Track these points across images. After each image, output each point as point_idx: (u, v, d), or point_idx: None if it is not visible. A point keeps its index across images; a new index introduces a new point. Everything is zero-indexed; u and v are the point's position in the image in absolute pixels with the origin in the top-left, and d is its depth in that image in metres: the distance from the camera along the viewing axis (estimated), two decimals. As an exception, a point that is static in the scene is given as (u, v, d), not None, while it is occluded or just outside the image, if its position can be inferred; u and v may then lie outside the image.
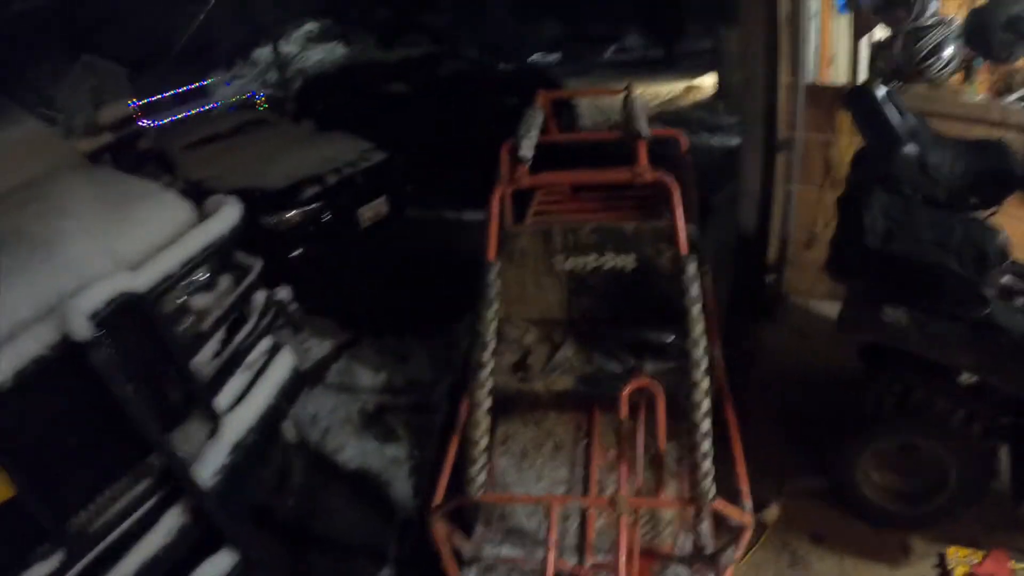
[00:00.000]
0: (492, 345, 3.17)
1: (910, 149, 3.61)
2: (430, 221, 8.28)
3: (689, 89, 12.39)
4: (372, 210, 7.40)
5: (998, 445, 3.55)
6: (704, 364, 2.92)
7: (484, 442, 3.05)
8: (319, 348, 5.83)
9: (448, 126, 8.84)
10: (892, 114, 3.79)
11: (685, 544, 3.32)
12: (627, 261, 3.96)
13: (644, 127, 3.41)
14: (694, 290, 3.00)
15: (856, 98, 4.18)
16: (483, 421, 3.07)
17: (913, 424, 3.59)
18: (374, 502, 4.34)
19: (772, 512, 3.94)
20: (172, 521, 2.96)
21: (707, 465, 2.82)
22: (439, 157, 8.53)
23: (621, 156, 4.27)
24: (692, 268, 3.02)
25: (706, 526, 3.35)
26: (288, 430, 4.48)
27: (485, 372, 3.11)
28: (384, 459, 4.58)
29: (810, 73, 5.25)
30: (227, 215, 3.56)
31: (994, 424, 3.49)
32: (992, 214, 3.76)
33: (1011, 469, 3.58)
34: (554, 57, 16.48)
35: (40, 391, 2.63)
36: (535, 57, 16.25)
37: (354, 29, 13.47)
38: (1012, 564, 3.59)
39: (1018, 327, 3.31)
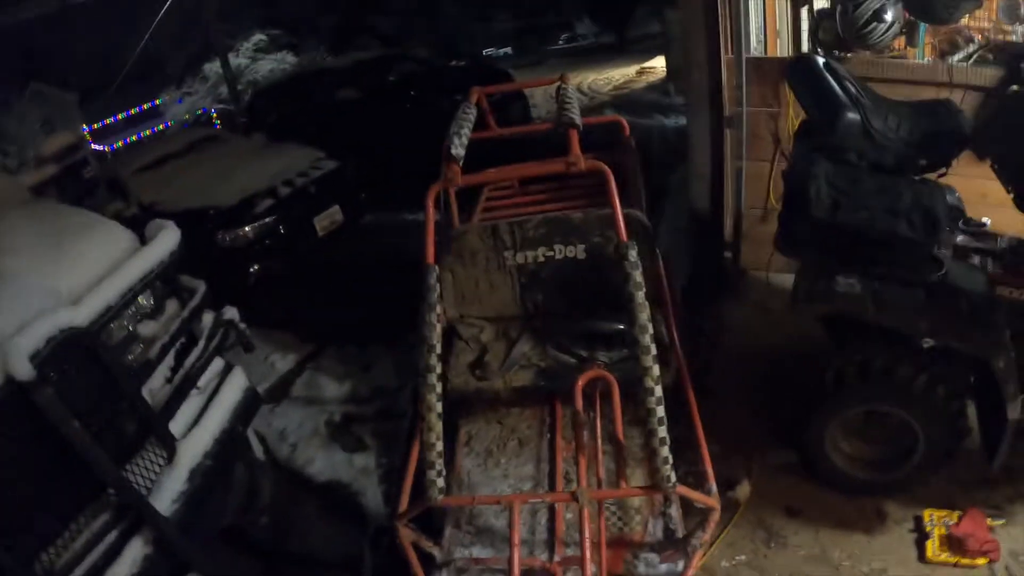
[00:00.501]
0: (438, 348, 3.15)
1: (852, 116, 3.61)
2: (388, 225, 8.24)
3: (641, 72, 12.45)
4: (327, 219, 7.38)
5: (965, 405, 3.57)
6: (652, 350, 2.91)
7: (440, 446, 3.05)
8: (282, 363, 5.82)
9: (400, 128, 8.81)
10: (832, 83, 3.79)
11: (656, 530, 3.34)
12: (576, 251, 3.96)
13: (575, 116, 3.40)
14: (637, 276, 2.98)
15: (795, 69, 4.19)
16: (436, 425, 3.05)
17: (877, 391, 3.58)
18: (346, 513, 4.34)
19: (743, 489, 3.99)
20: (135, 552, 2.93)
21: (665, 451, 2.82)
22: (393, 160, 8.49)
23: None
24: (633, 254, 3.00)
25: (675, 511, 3.38)
26: (256, 448, 4.45)
27: (433, 376, 3.09)
28: (353, 469, 4.58)
29: (755, 47, 5.28)
30: (165, 240, 3.53)
31: (958, 386, 3.53)
32: (942, 175, 3.77)
33: (980, 428, 3.64)
34: (506, 50, 16.47)
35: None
36: (488, 52, 16.22)
37: (303, 37, 13.38)
38: (989, 521, 3.62)
39: (975, 287, 3.37)
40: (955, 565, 3.50)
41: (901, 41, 5.19)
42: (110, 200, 7.38)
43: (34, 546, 2.73)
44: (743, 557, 3.76)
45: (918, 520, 3.74)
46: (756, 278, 5.54)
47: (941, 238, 3.24)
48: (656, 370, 2.90)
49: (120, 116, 10.57)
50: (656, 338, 3.66)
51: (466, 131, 3.45)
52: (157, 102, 10.82)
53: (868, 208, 3.36)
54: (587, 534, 2.96)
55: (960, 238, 3.55)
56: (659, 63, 12.02)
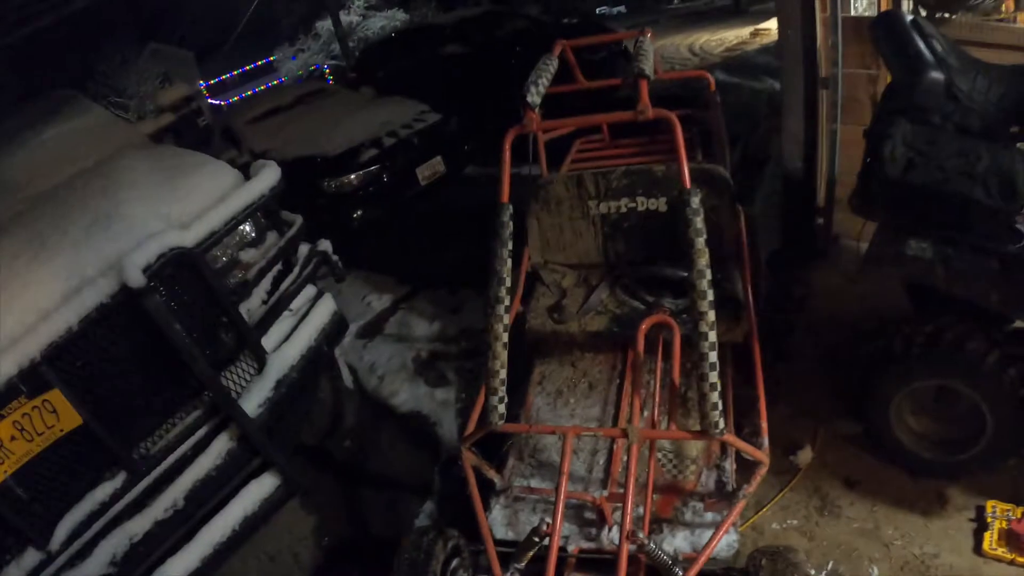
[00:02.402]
0: (507, 281, 3.33)
1: (934, 76, 3.53)
2: (489, 177, 8.50)
3: (755, 33, 12.19)
4: (429, 169, 7.72)
5: None
6: (708, 296, 2.99)
7: (503, 374, 3.21)
8: (378, 303, 6.22)
9: (504, 83, 9.01)
10: (917, 41, 3.68)
11: (708, 482, 3.41)
12: (659, 203, 4.07)
13: (647, 67, 3.53)
14: (697, 222, 3.07)
15: (880, 26, 4.10)
16: (501, 354, 3.23)
17: (944, 365, 3.45)
18: (423, 441, 4.66)
19: (805, 455, 3.97)
20: (221, 446, 3.40)
21: (714, 397, 2.88)
22: (496, 114, 8.71)
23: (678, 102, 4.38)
24: (695, 201, 3.09)
25: (729, 464, 3.45)
26: (346, 378, 4.83)
27: (501, 307, 3.28)
28: (434, 402, 4.88)
29: (865, 6, 5.16)
30: (266, 177, 3.91)
31: None
32: None
33: None
34: (620, 8, 16.32)
35: (104, 334, 3.08)
36: (601, 10, 16.14)
37: None
38: (1054, 520, 3.46)
39: None
40: (1011, 562, 3.37)
41: (1011, 3, 5.06)
42: (224, 149, 7.93)
43: (137, 434, 3.24)
44: (795, 522, 3.73)
45: (980, 510, 3.56)
46: (848, 246, 5.36)
47: (1019, 206, 3.08)
48: (711, 316, 2.97)
49: (236, 72, 11.18)
50: (731, 295, 3.76)
51: (544, 80, 3.61)
52: (271, 59, 11.37)
53: (943, 170, 3.25)
54: (633, 470, 3.04)
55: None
56: (774, 25, 11.82)
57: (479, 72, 9.34)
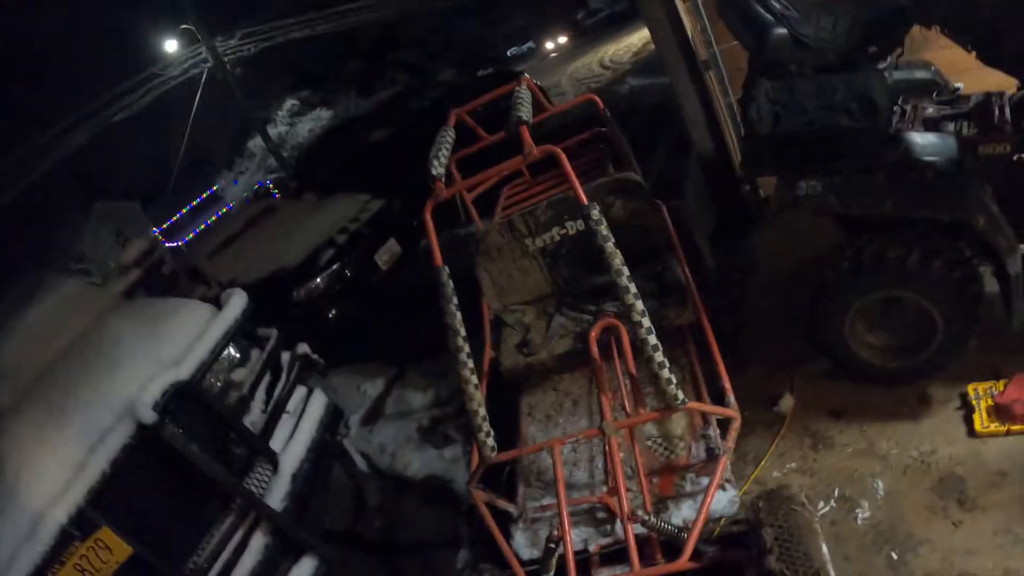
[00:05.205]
0: (462, 332, 3.73)
1: (777, 31, 3.82)
2: (442, 244, 9.02)
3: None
4: (386, 253, 8.24)
5: (970, 274, 3.71)
6: (631, 288, 3.41)
7: (483, 411, 3.62)
8: (372, 389, 6.68)
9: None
10: (755, 5, 3.96)
11: (699, 452, 3.80)
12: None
13: (523, 114, 4.04)
14: (602, 231, 3.50)
15: (723, 2, 4.38)
16: (475, 394, 3.63)
17: (876, 278, 3.81)
18: (444, 500, 5.08)
19: (786, 402, 4.34)
20: (258, 543, 3.91)
21: (666, 373, 3.27)
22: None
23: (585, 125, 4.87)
24: (595, 214, 3.52)
25: (712, 431, 3.83)
26: (360, 463, 5.32)
27: (462, 355, 3.68)
28: (444, 462, 5.35)
29: None
30: (236, 304, 4.53)
31: (955, 255, 3.68)
32: (898, 56, 3.98)
33: (1000, 291, 3.75)
34: (529, 44, 16.80)
35: (134, 471, 3.65)
36: (512, 51, 16.63)
37: (332, 91, 14.19)
38: (1035, 384, 3.70)
39: (943, 154, 3.50)
40: (1006, 433, 3.63)
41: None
42: (193, 287, 8.49)
43: (184, 550, 3.75)
44: (793, 464, 4.08)
45: (963, 396, 3.86)
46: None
47: (883, 119, 3.50)
48: (638, 305, 3.38)
49: (184, 210, 11.70)
50: (673, 283, 4.22)
51: (444, 151, 4.11)
52: (215, 188, 11.98)
53: (805, 112, 3.63)
54: (617, 459, 3.45)
55: (930, 110, 3.76)
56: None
57: (406, 149, 9.86)
